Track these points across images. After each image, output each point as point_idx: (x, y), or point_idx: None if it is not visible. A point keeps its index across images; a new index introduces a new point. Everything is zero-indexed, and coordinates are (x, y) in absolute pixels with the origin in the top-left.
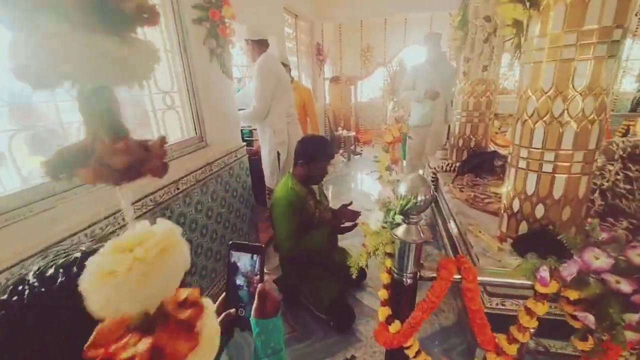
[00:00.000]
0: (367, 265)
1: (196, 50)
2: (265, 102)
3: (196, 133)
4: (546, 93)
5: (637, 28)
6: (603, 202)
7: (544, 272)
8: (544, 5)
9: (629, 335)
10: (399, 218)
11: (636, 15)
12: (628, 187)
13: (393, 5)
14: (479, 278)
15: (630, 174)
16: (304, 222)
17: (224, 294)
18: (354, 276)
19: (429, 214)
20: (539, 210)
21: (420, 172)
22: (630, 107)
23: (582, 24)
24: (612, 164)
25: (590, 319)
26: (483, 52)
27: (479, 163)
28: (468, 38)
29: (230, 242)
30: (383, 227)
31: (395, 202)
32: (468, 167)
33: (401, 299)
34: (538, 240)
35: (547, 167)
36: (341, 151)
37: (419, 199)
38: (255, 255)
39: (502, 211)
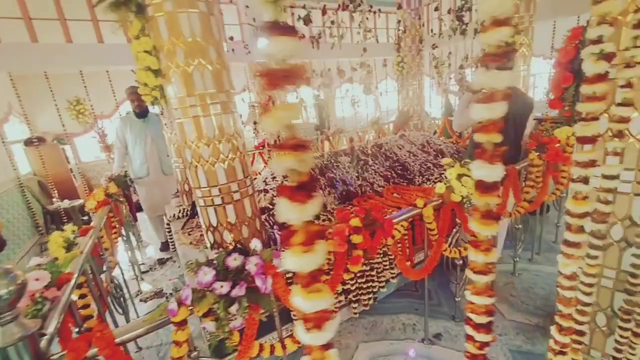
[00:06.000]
0: None
1: None
2: None
3: None
4: (193, 143)
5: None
6: None
7: (172, 305)
8: (166, 74)
9: (235, 323)
10: None
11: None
12: None
13: (66, 58)
14: (120, 339)
15: None
16: None
17: None
18: None
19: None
20: (226, 236)
21: (166, 220)
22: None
23: (194, 90)
24: None
25: (209, 326)
26: (165, 108)
27: None
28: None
29: None
30: None
31: None
32: (196, 209)
33: None
34: None
35: (217, 200)
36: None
37: (1, 293)
38: None
39: (210, 245)
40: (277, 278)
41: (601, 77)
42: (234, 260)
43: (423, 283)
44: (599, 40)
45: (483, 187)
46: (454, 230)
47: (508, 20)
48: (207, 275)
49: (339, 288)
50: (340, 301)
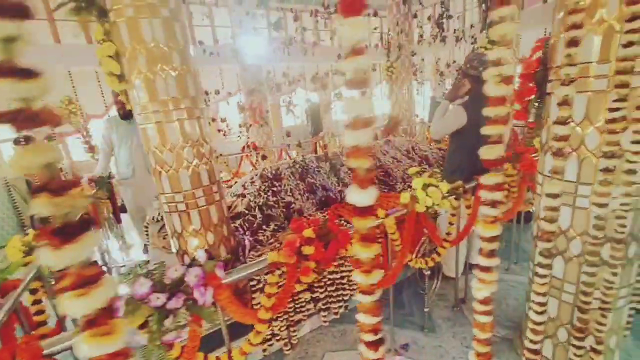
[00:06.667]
0: None
1: None
2: None
3: None
4: (157, 149)
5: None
6: (261, 215)
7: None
8: (129, 79)
9: (169, 336)
10: None
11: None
12: (274, 199)
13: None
14: (49, 350)
15: (275, 189)
16: None
17: None
18: None
19: None
20: (192, 242)
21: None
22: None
23: (157, 96)
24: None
25: (141, 339)
26: None
27: None
28: None
29: None
30: None
31: None
32: None
33: None
34: None
35: (181, 207)
36: None
37: None
38: None
39: (176, 251)
40: (220, 290)
41: (501, 100)
42: (174, 272)
43: (395, 292)
44: (499, 63)
45: (359, 210)
46: (422, 240)
47: (363, 49)
48: (143, 286)
49: (307, 296)
50: (308, 309)
